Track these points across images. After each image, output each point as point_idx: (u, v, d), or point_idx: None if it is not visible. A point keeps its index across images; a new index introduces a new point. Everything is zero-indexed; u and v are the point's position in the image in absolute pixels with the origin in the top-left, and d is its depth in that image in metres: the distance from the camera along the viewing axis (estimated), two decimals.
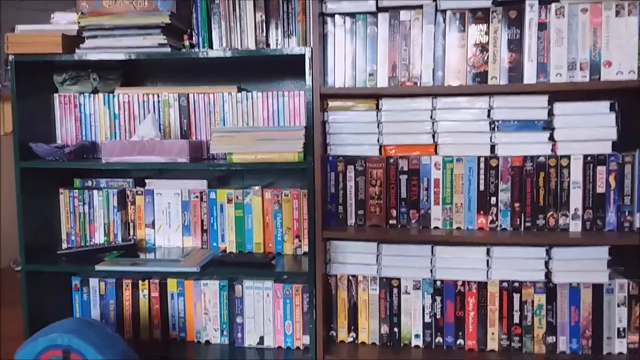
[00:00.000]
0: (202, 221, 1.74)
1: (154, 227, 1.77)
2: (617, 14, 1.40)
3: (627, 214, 1.45)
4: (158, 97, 1.72)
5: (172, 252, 1.70)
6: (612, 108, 1.45)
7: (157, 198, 1.76)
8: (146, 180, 1.79)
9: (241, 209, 1.72)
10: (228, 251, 1.72)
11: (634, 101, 1.49)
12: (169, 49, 1.54)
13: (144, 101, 1.73)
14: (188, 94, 1.71)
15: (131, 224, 1.79)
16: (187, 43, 1.60)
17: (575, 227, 1.48)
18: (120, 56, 1.55)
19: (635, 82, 1.39)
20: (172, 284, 1.76)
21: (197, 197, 1.74)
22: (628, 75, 1.40)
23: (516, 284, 1.52)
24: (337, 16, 1.51)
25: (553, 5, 1.42)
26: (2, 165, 3.11)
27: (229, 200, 1.72)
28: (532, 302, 1.51)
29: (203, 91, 1.70)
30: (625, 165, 1.44)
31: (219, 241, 1.74)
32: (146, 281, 1.76)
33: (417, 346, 1.57)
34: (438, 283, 1.55)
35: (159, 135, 1.62)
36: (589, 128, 1.45)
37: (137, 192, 1.77)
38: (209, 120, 1.70)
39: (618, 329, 1.49)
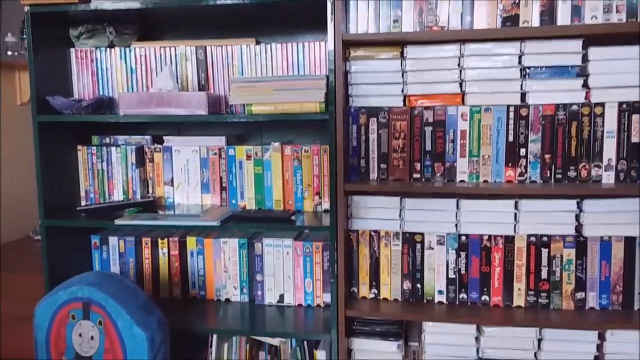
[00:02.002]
0: (220, 178, 1.72)
1: (172, 185, 1.75)
2: None
3: None
4: (175, 50, 1.68)
5: (192, 209, 1.68)
6: None
7: (175, 155, 1.74)
8: (164, 137, 1.76)
9: (260, 166, 1.69)
10: (247, 208, 1.70)
11: None
12: None
13: (160, 55, 1.69)
14: (205, 47, 1.67)
15: (150, 182, 1.77)
16: None
17: (608, 178, 1.42)
18: (136, 4, 1.50)
19: None
20: (191, 242, 1.74)
21: (215, 154, 1.71)
22: None
23: (545, 238, 1.47)
24: None
25: None
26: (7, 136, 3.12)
27: (248, 157, 1.69)
28: (561, 256, 1.47)
29: (221, 44, 1.66)
30: None
31: (238, 199, 1.71)
32: (165, 239, 1.75)
33: (440, 302, 1.54)
34: (463, 238, 1.51)
35: (177, 87, 1.59)
36: (625, 74, 1.38)
37: (155, 149, 1.75)
38: (227, 74, 1.66)
39: None
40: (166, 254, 1.75)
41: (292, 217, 1.58)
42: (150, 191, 1.77)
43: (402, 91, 1.50)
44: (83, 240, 1.79)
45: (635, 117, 1.39)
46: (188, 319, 1.61)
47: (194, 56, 1.68)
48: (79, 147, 1.76)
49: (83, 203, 1.78)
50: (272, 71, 1.64)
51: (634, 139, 1.40)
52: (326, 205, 1.66)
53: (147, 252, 1.76)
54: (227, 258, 1.73)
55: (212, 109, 1.57)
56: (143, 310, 1.41)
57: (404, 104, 1.51)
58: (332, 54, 1.41)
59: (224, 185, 1.72)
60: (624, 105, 1.39)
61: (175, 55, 1.69)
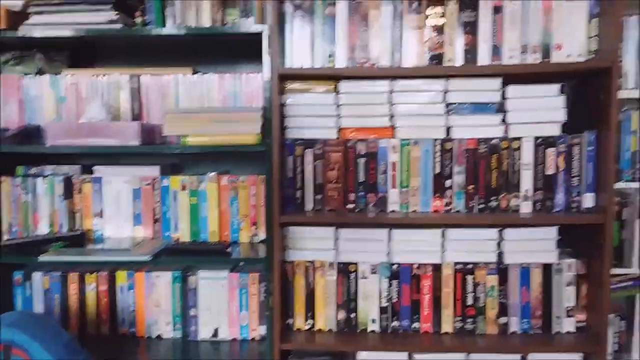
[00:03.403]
0: (154, 210, 1.68)
1: (102, 217, 1.69)
2: None
3: (575, 194, 1.50)
4: (108, 78, 1.65)
5: (122, 243, 1.62)
6: (562, 90, 1.50)
7: (106, 186, 1.68)
8: (94, 167, 1.71)
9: (196, 197, 1.66)
10: (181, 241, 1.67)
11: (582, 84, 1.55)
12: (120, 26, 1.48)
13: (92, 83, 1.65)
14: (139, 76, 1.65)
15: (78, 214, 1.70)
16: (139, 20, 1.55)
17: (526, 208, 1.51)
18: (67, 32, 1.47)
19: (583, 64, 1.44)
20: (121, 277, 1.68)
21: (148, 184, 1.67)
22: (577, 58, 1.46)
23: (470, 266, 1.54)
24: None
25: None
26: None
27: (183, 188, 1.67)
28: (485, 283, 1.54)
29: (156, 73, 1.65)
30: (574, 146, 1.49)
31: (172, 230, 1.68)
32: (94, 274, 1.68)
33: (373, 331, 1.57)
34: (395, 267, 1.55)
35: (108, 117, 1.55)
36: (540, 110, 1.49)
37: (84, 179, 1.69)
38: (162, 104, 1.65)
39: (567, 308, 1.53)
40: (94, 290, 1.68)
41: (228, 250, 1.56)
42: (79, 224, 1.69)
43: (337, 124, 1.54)
44: (4, 277, 1.68)
45: (549, 150, 1.50)
46: (117, 358, 1.54)
47: (127, 85, 1.65)
48: (3, 178, 1.67)
49: (5, 237, 1.68)
50: (208, 101, 1.64)
51: (549, 171, 1.51)
52: (263, 235, 1.66)
53: (74, 288, 1.68)
54: (159, 292, 1.67)
55: (145, 140, 1.54)
56: (67, 351, 1.34)
57: (338, 136, 1.55)
58: (268, 87, 1.43)
59: (157, 217, 1.68)
60: (539, 140, 1.50)
61: (108, 83, 1.65)
